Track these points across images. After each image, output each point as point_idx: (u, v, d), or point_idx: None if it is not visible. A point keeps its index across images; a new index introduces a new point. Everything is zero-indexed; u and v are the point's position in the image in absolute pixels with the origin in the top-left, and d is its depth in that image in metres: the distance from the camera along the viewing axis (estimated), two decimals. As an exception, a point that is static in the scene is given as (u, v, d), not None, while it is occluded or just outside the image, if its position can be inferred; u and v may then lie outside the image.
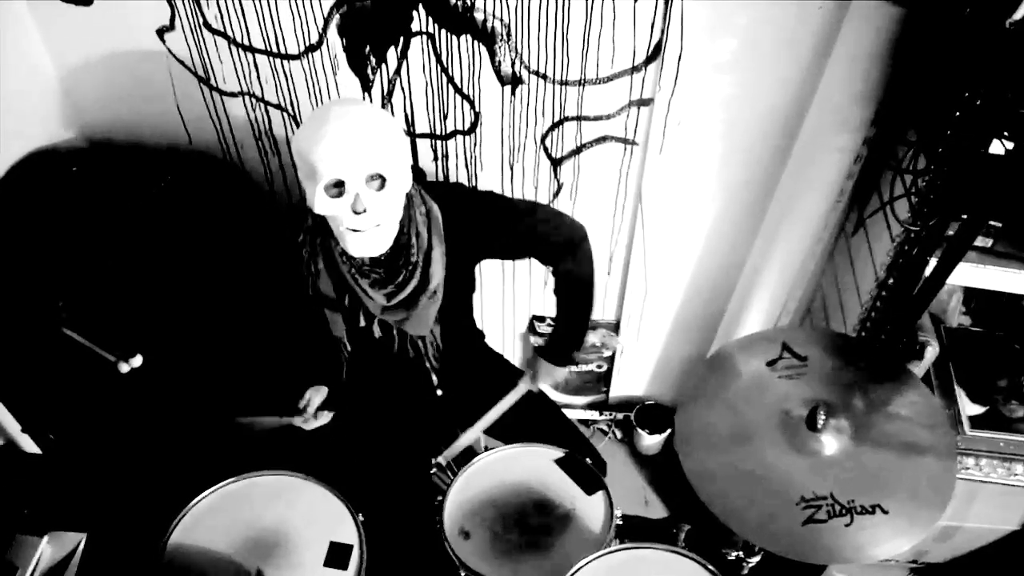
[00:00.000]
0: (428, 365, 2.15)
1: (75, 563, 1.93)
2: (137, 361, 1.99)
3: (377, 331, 2.01)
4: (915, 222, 1.87)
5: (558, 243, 2.05)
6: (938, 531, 2.35)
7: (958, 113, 1.70)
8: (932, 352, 2.17)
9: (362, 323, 1.99)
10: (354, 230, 1.76)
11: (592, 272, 2.12)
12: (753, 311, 2.52)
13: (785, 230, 2.30)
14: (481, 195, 2.04)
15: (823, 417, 1.71)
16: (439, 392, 2.23)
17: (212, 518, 1.92)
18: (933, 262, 1.87)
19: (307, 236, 1.91)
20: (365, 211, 1.71)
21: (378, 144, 1.69)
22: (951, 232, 1.80)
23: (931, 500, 1.64)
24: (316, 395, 2.07)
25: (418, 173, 1.89)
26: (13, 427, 2.23)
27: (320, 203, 1.72)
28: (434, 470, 2.25)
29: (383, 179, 1.72)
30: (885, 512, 1.63)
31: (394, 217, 1.81)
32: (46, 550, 1.91)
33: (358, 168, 1.68)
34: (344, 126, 1.66)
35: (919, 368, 2.18)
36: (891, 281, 1.99)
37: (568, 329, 2.20)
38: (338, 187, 1.70)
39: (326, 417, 2.08)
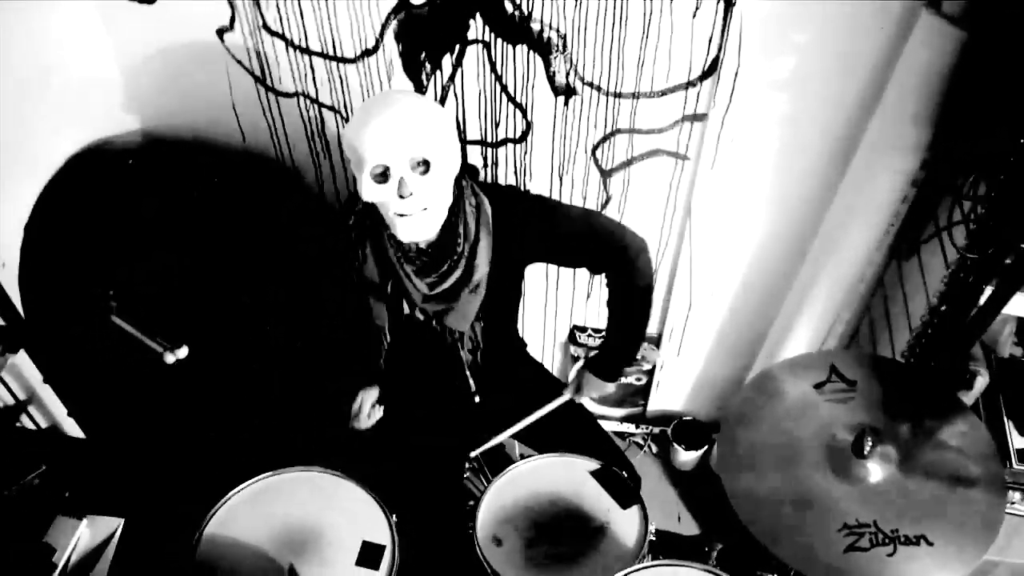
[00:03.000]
0: (466, 371, 2.16)
1: (112, 547, 1.95)
2: (183, 352, 2.01)
3: (420, 315, 2.03)
4: (972, 249, 1.83)
5: (614, 252, 1.99)
6: (979, 564, 2.29)
7: (1022, 140, 1.67)
8: (982, 382, 2.12)
9: (406, 310, 2.02)
10: (401, 215, 1.79)
11: (650, 286, 2.06)
12: (798, 332, 2.49)
13: (836, 251, 2.26)
14: (533, 197, 2.06)
15: (870, 443, 1.68)
16: (476, 399, 2.23)
17: (247, 511, 1.94)
18: (988, 290, 1.83)
19: (357, 220, 1.94)
20: (411, 195, 1.74)
21: (421, 129, 1.72)
22: (1008, 261, 1.76)
23: (978, 534, 1.61)
24: (367, 396, 2.11)
25: (471, 170, 1.90)
26: (60, 411, 2.27)
27: (367, 190, 1.76)
28: (467, 474, 2.25)
29: (427, 163, 1.74)
30: (930, 544, 1.59)
31: (441, 202, 1.82)
32: (84, 533, 1.94)
33: (401, 153, 1.71)
34: (388, 114, 1.71)
35: (968, 398, 2.14)
36: (944, 308, 1.95)
37: (621, 343, 2.17)
38: (383, 173, 1.73)
39: (379, 413, 2.12)
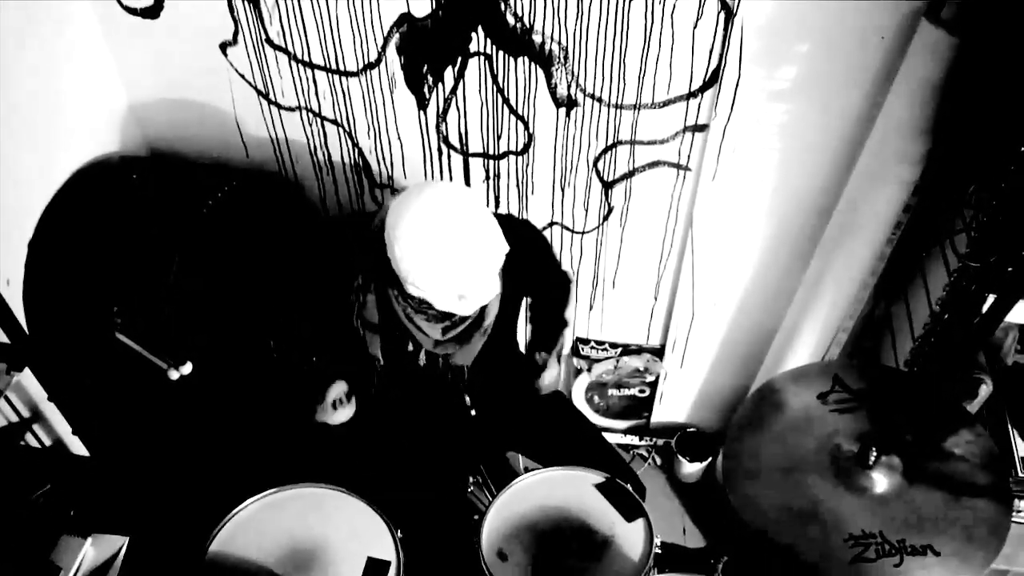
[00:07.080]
0: (462, 386, 2.15)
1: (117, 566, 1.94)
2: (187, 369, 2.02)
3: (423, 358, 2.03)
4: (974, 257, 1.83)
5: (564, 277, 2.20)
6: (986, 573, 2.29)
7: (1022, 148, 1.67)
8: (986, 390, 2.12)
9: (410, 348, 2.01)
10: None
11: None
12: (801, 342, 2.48)
13: (838, 261, 2.26)
14: (535, 234, 2.10)
15: (875, 453, 1.68)
16: (472, 412, 2.22)
17: (252, 528, 1.93)
18: (991, 299, 1.83)
19: (363, 271, 1.90)
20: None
21: (494, 277, 1.76)
22: (1011, 269, 1.76)
23: (985, 543, 1.60)
24: (334, 390, 2.06)
25: None
26: (64, 429, 2.27)
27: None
28: (471, 488, 2.24)
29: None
30: (936, 553, 1.59)
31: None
32: (89, 551, 1.94)
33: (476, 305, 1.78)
34: (460, 266, 1.68)
35: (972, 406, 2.13)
36: (946, 316, 1.95)
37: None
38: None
39: (349, 409, 2.07)
